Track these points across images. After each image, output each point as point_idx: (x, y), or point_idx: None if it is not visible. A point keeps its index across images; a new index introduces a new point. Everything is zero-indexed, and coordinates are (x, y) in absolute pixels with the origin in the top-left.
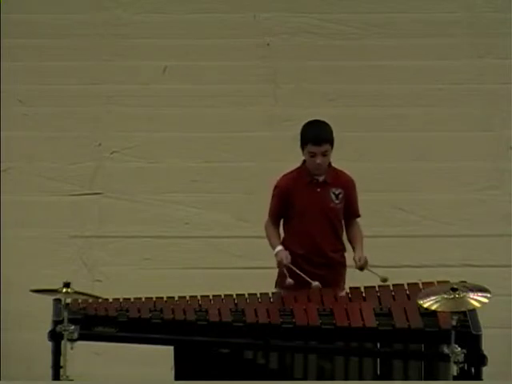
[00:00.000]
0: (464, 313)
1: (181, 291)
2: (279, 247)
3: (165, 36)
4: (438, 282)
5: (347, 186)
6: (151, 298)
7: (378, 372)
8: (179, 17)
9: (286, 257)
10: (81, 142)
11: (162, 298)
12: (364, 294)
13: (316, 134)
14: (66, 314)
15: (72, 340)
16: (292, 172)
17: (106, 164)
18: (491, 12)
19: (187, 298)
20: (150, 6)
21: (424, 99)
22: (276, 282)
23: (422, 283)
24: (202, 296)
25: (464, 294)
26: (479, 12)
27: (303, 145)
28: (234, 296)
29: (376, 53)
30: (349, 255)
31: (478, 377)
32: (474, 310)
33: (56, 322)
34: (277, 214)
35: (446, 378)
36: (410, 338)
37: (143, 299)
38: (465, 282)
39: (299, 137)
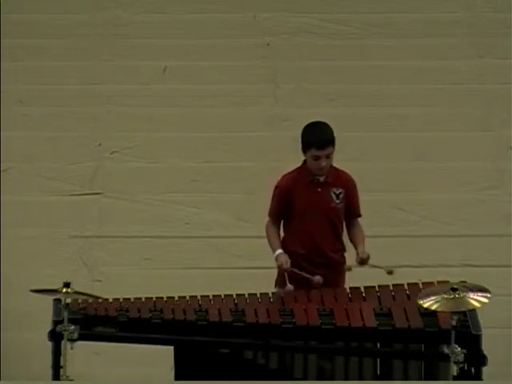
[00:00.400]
0: (464, 313)
1: (181, 291)
2: (279, 250)
3: (165, 36)
4: (438, 282)
5: (348, 186)
6: (151, 297)
7: (378, 372)
8: (179, 17)
9: (286, 261)
10: (81, 142)
11: (162, 298)
12: (364, 294)
13: (319, 138)
14: (66, 314)
15: (72, 340)
16: (292, 172)
17: (106, 164)
18: (491, 12)
19: (187, 298)
20: (149, 6)
21: (424, 99)
22: (276, 282)
23: (422, 283)
24: (201, 296)
25: (464, 293)
26: (479, 12)
27: (306, 148)
28: (234, 296)
29: (376, 53)
30: (349, 255)
31: (478, 377)
32: (474, 310)
33: (56, 322)
34: (277, 214)
35: (446, 378)
36: (409, 338)
37: (143, 299)
38: (465, 281)
39: (300, 139)
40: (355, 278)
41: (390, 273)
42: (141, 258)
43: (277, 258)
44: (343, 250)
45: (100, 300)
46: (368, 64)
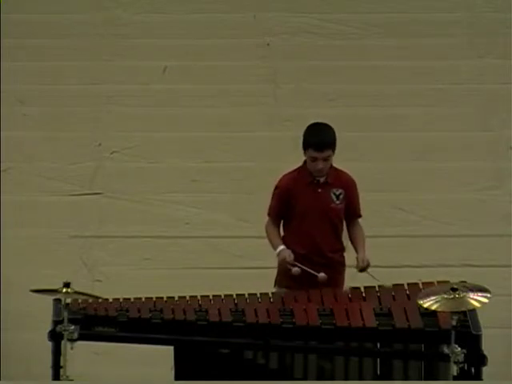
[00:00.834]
0: (464, 313)
1: (181, 291)
2: (281, 246)
3: (165, 36)
4: (438, 282)
5: (348, 186)
6: (151, 297)
7: (378, 372)
8: (179, 17)
9: (289, 255)
10: (81, 142)
11: (162, 298)
12: (364, 294)
13: (318, 140)
14: (66, 314)
15: (72, 340)
16: (293, 172)
17: (106, 164)
18: (491, 12)
19: (187, 298)
20: (149, 6)
21: (424, 99)
22: (275, 281)
23: (422, 283)
24: (201, 296)
25: (464, 293)
26: (479, 12)
27: (305, 148)
28: (234, 296)
29: (376, 53)
30: (350, 255)
31: (478, 377)
32: (474, 310)
33: (56, 322)
34: (277, 214)
35: (446, 378)
36: (410, 338)
37: (143, 299)
38: (465, 281)
39: (302, 137)
40: (355, 278)
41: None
42: (141, 258)
43: (279, 254)
44: (343, 249)
45: (100, 300)
46: (368, 64)
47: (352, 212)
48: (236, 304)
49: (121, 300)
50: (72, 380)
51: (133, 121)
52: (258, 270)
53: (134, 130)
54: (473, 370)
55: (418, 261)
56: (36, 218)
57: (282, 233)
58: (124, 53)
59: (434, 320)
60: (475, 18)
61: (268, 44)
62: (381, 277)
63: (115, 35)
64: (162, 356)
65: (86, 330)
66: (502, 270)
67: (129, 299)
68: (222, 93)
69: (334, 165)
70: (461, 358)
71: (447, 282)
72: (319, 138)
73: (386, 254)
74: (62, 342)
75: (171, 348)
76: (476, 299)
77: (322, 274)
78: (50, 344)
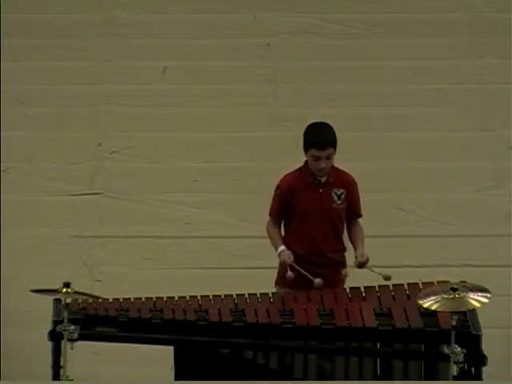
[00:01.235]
0: (464, 313)
1: (181, 291)
2: (282, 247)
3: (165, 36)
4: (438, 282)
5: (349, 186)
6: (151, 297)
7: (378, 372)
8: (179, 17)
9: (289, 256)
10: (81, 142)
11: (162, 298)
12: (364, 294)
13: (320, 139)
14: (66, 314)
15: (72, 340)
16: (294, 172)
17: (106, 164)
18: (491, 12)
19: (187, 298)
20: (149, 6)
21: (424, 99)
22: (276, 281)
23: (422, 283)
24: (201, 296)
25: (464, 293)
26: (479, 12)
27: (306, 148)
28: (234, 296)
29: (376, 53)
30: (349, 255)
31: (478, 377)
32: (474, 310)
33: (56, 322)
34: (279, 214)
35: (446, 378)
36: (410, 338)
37: (143, 299)
38: (465, 282)
39: (302, 138)
40: (355, 278)
41: (387, 278)
42: (141, 257)
43: (279, 255)
44: (343, 250)
45: (100, 300)
46: (368, 64)
47: (353, 212)
48: (236, 304)
49: (121, 300)
50: (72, 380)
51: (133, 121)
52: (258, 269)
53: (134, 130)
54: (473, 370)
55: (418, 261)
56: (36, 218)
57: (282, 233)
58: (124, 53)
59: (434, 320)
60: (475, 18)
61: (268, 44)
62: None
63: (115, 35)
64: (162, 356)
65: (86, 330)
66: (502, 269)
67: (129, 299)
68: (222, 93)
69: (335, 165)
70: (461, 358)
71: (447, 282)
72: (321, 136)
73: (386, 254)
74: (62, 342)
75: (171, 348)
76: (476, 299)
77: (318, 280)
78: (50, 344)
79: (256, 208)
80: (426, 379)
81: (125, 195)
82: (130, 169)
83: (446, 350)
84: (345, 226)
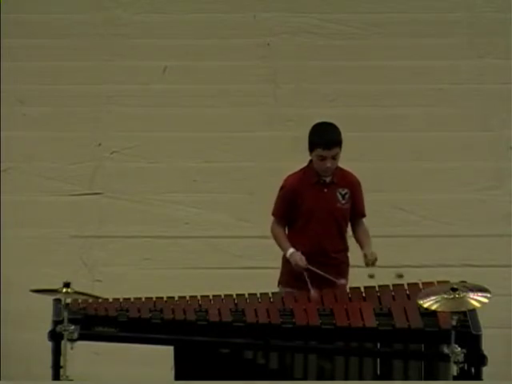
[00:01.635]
0: (464, 313)
1: (181, 291)
2: (291, 249)
3: (165, 36)
4: (438, 282)
5: (353, 186)
6: (151, 298)
7: (378, 372)
8: (179, 17)
9: (301, 258)
10: (81, 142)
11: (162, 298)
12: (364, 294)
13: (326, 138)
14: (66, 314)
15: (72, 340)
16: (298, 172)
17: (106, 164)
18: (491, 12)
19: (187, 298)
20: (149, 6)
21: (424, 99)
22: (279, 281)
23: (422, 283)
24: (201, 296)
25: (464, 293)
26: (479, 12)
27: (311, 148)
28: (234, 296)
29: (376, 53)
30: (353, 255)
31: (478, 377)
32: (474, 310)
33: (56, 322)
34: (283, 214)
35: (446, 378)
36: (410, 338)
37: (143, 299)
38: (465, 282)
39: (307, 138)
40: (355, 278)
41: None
42: (141, 258)
43: (291, 257)
44: (347, 249)
45: (100, 300)
46: (368, 64)
47: (357, 212)
48: (236, 304)
49: (121, 300)
50: (72, 380)
51: (133, 121)
52: (258, 269)
53: (134, 130)
54: (473, 370)
55: (418, 261)
56: (36, 218)
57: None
58: (124, 53)
59: (434, 320)
60: (475, 18)
61: (268, 44)
62: (381, 277)
63: (115, 35)
64: (162, 356)
65: (86, 330)
66: (502, 269)
67: (129, 299)
68: (222, 93)
69: (339, 164)
70: (461, 358)
71: (447, 282)
72: (327, 136)
73: (386, 254)
74: (62, 342)
75: (171, 348)
76: (476, 299)
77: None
78: (50, 344)
79: (256, 208)
80: (426, 379)
81: (125, 195)
82: (130, 169)
83: (446, 350)
84: (348, 225)
